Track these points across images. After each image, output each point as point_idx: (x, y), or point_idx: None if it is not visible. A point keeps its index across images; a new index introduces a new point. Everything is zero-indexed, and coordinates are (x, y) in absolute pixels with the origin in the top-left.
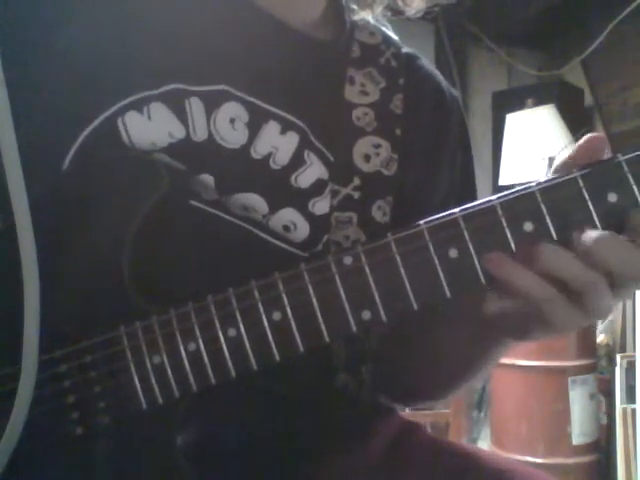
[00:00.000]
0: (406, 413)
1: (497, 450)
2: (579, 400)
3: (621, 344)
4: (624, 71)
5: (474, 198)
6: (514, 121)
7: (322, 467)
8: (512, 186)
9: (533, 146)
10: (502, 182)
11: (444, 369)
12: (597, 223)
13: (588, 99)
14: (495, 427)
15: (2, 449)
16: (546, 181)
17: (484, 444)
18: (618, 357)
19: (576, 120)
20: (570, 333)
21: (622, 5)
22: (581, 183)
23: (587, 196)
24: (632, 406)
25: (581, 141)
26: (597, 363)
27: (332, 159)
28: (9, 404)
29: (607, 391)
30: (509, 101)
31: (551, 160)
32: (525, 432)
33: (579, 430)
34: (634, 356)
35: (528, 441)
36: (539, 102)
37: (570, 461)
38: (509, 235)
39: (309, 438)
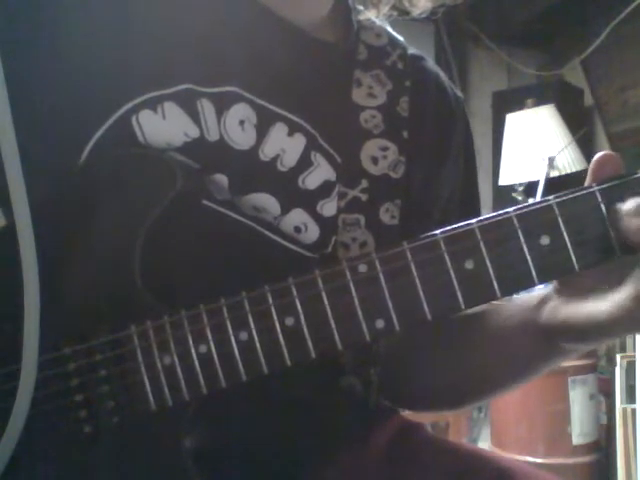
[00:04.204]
0: (407, 413)
1: (497, 450)
2: (579, 400)
3: (621, 344)
4: (624, 71)
5: (477, 201)
6: (514, 121)
7: (324, 466)
8: (512, 186)
9: (533, 146)
10: (502, 182)
11: (494, 375)
12: (613, 239)
13: (588, 99)
14: (495, 427)
15: (3, 448)
16: (564, 194)
17: (484, 444)
18: (618, 357)
19: (576, 120)
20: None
21: (622, 5)
22: (599, 198)
23: (605, 211)
24: (632, 406)
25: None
26: (597, 363)
27: (340, 161)
28: (10, 403)
29: (607, 391)
30: (509, 101)
31: (551, 160)
32: (525, 432)
33: (579, 430)
34: (634, 356)
35: (528, 441)
36: (539, 102)
37: (570, 461)
38: (525, 248)
39: (313, 438)
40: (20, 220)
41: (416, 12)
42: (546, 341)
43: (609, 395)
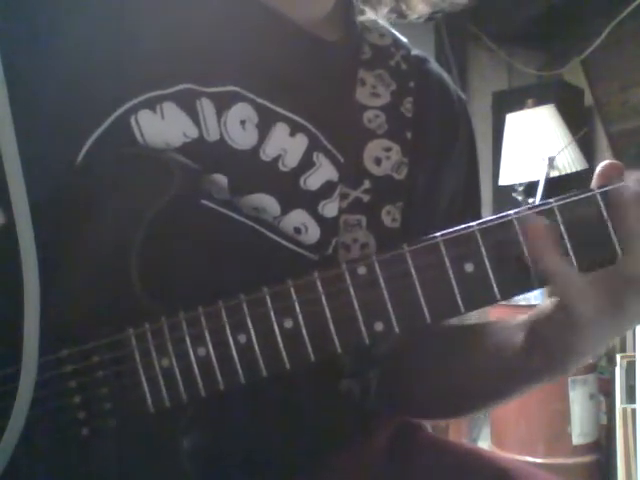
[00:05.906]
0: None
1: (497, 450)
2: (579, 400)
3: (621, 344)
4: (624, 71)
5: (478, 203)
6: (514, 121)
7: (324, 467)
8: (512, 186)
9: (533, 146)
10: (502, 182)
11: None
12: (615, 242)
13: (588, 99)
14: (495, 427)
15: (2, 449)
16: (565, 197)
17: (484, 444)
18: (618, 357)
19: (576, 120)
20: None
21: (622, 5)
22: (601, 202)
23: (606, 215)
24: (632, 406)
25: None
26: (597, 363)
27: (342, 161)
28: (10, 404)
29: (607, 391)
30: (509, 101)
31: (551, 160)
32: (525, 432)
33: (579, 430)
34: (634, 356)
35: (528, 441)
36: (539, 102)
37: (570, 461)
38: (526, 251)
39: (312, 439)
40: (20, 219)
41: (413, 16)
42: (534, 342)
43: (609, 395)
